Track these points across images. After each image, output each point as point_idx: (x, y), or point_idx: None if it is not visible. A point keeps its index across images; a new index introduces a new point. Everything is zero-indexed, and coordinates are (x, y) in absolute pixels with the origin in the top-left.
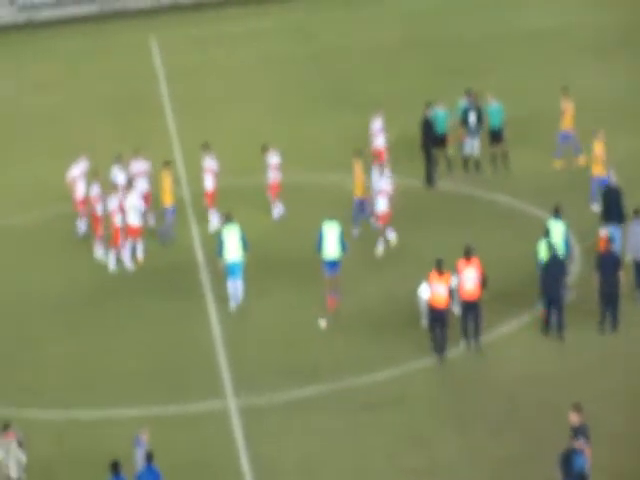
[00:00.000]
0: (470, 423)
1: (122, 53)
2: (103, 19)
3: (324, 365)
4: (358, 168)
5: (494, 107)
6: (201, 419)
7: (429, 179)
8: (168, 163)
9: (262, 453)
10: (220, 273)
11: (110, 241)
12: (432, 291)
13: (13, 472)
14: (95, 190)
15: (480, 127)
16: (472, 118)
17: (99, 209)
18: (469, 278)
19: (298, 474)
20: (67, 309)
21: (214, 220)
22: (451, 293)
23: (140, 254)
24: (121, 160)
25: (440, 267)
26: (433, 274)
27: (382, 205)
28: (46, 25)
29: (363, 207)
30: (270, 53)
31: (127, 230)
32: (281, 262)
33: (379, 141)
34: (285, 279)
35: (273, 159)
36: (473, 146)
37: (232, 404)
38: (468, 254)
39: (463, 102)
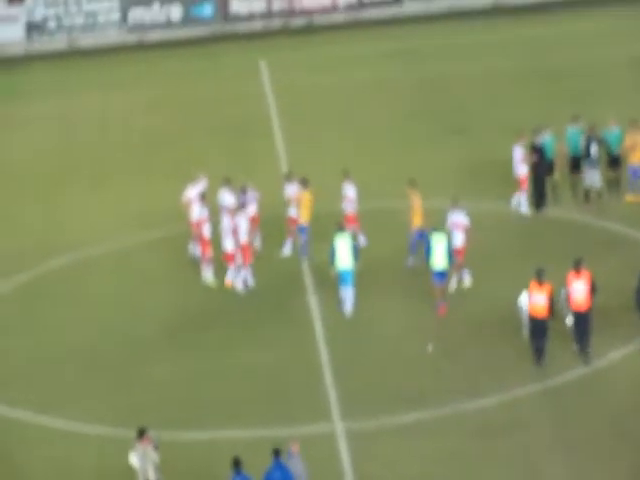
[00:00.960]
0: (578, 450)
1: (232, 75)
2: (213, 41)
3: (431, 389)
4: (416, 198)
5: (615, 133)
6: (308, 442)
7: (538, 204)
8: (307, 182)
9: (368, 477)
10: (333, 281)
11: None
12: (531, 301)
13: (151, 476)
14: (203, 212)
15: (599, 158)
16: (594, 149)
17: (206, 231)
18: (578, 290)
19: None
20: (177, 330)
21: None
22: (553, 304)
23: (230, 278)
24: (230, 183)
25: (540, 277)
26: (533, 284)
27: (459, 240)
28: (156, 46)
29: (422, 237)
30: (381, 77)
31: (224, 255)
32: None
33: (521, 170)
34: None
35: (349, 191)
36: (593, 178)
37: (339, 427)
38: (578, 266)
39: (572, 129)
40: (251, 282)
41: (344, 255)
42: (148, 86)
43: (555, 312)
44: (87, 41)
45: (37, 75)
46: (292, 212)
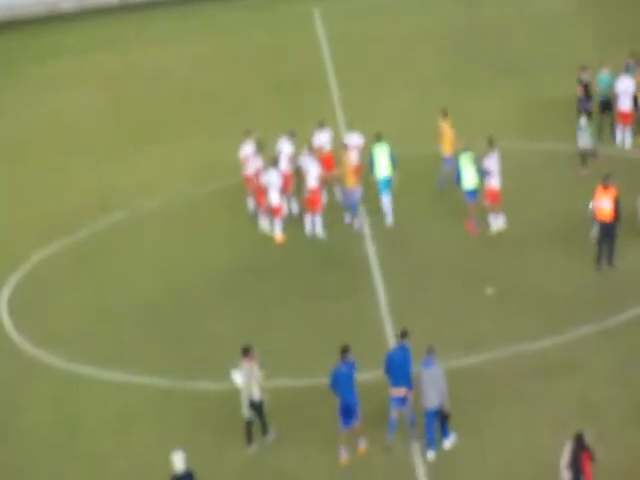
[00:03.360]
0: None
1: (286, 25)
2: None
3: (491, 333)
4: (447, 127)
5: (605, 77)
6: (369, 390)
7: None
8: (446, 113)
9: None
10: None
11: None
12: (597, 205)
13: (256, 394)
14: (259, 163)
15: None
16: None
17: (263, 181)
18: (604, 203)
19: (467, 437)
20: (235, 282)
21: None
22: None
23: (279, 231)
24: (293, 135)
25: (606, 182)
26: (599, 189)
27: (493, 182)
28: None
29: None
30: (432, 22)
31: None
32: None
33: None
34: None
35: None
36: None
37: None
38: (606, 182)
39: (603, 73)
40: (320, 233)
41: (383, 164)
42: (200, 40)
43: (620, 216)
44: None
45: (90, 31)
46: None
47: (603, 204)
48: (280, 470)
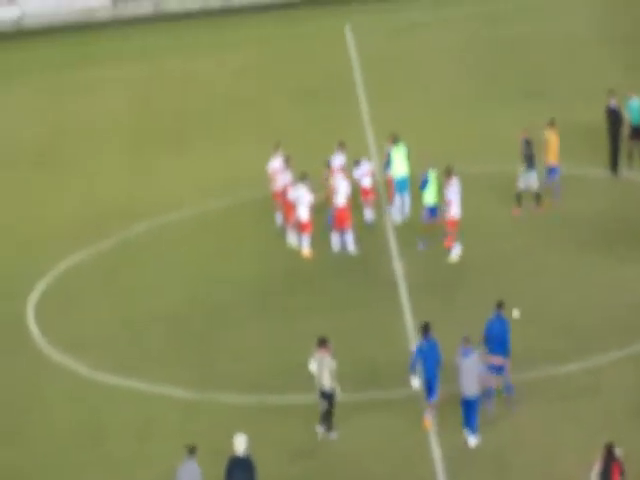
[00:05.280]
0: None
1: (317, 40)
2: (299, 5)
3: (517, 354)
4: (554, 136)
5: (635, 103)
6: (394, 406)
7: (613, 167)
8: (553, 123)
9: (455, 441)
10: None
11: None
12: None
13: (327, 383)
14: (287, 178)
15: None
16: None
17: (291, 196)
18: None
19: (490, 460)
20: (261, 295)
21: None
22: None
23: (307, 247)
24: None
25: None
26: None
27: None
28: (242, 11)
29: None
30: (462, 41)
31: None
32: None
33: None
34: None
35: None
36: (530, 180)
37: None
38: None
39: (634, 99)
40: (352, 248)
41: (400, 164)
42: (233, 51)
43: None
44: (172, 6)
45: (123, 40)
46: (366, 182)
47: None
48: None
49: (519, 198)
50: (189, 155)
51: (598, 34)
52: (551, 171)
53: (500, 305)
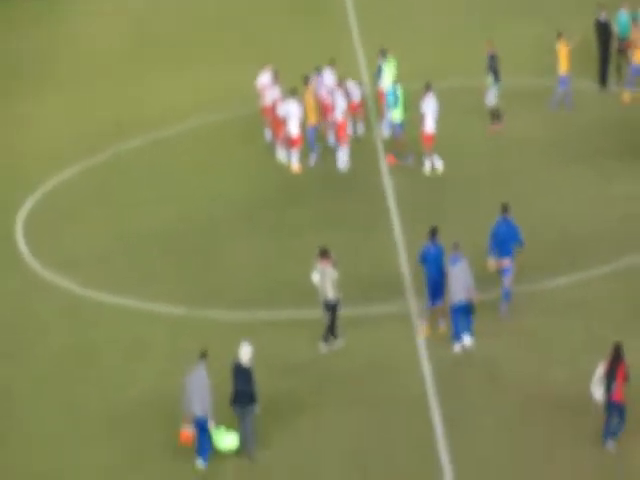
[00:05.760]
0: None
1: None
2: None
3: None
4: (563, 47)
5: (623, 18)
6: (383, 321)
7: (602, 80)
8: (560, 34)
9: (444, 355)
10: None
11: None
12: None
13: (330, 293)
14: (276, 93)
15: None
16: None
17: (280, 112)
18: None
19: (480, 371)
20: (252, 211)
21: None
22: None
23: (295, 162)
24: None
25: None
26: None
27: (428, 125)
28: None
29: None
30: None
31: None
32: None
33: None
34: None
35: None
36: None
37: (413, 307)
38: None
39: (622, 12)
40: (346, 163)
41: (390, 76)
42: None
43: None
44: None
45: None
46: (356, 96)
47: None
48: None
49: (492, 115)
50: (182, 71)
51: None
52: (562, 81)
53: (505, 208)
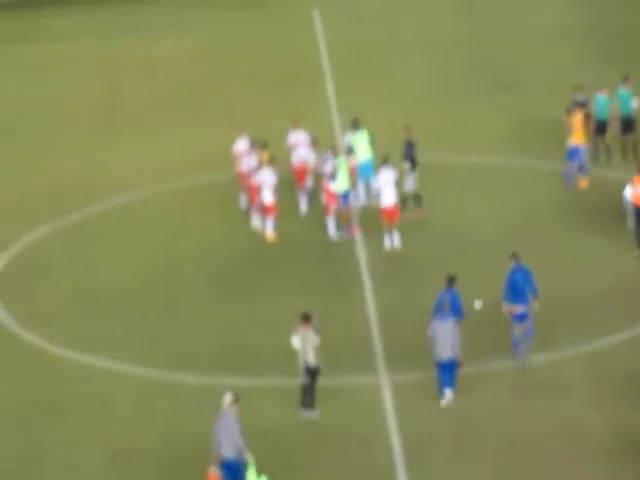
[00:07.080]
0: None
1: (284, 24)
2: None
3: (479, 346)
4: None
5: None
6: (352, 392)
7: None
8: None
9: (411, 430)
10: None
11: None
12: (635, 192)
13: (311, 359)
14: (252, 160)
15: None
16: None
17: (256, 180)
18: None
19: (447, 449)
20: (223, 276)
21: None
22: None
23: (270, 230)
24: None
25: None
26: (637, 177)
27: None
28: None
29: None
30: (431, 30)
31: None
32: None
33: None
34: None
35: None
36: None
37: (384, 379)
38: None
39: (623, 90)
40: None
41: (363, 149)
42: (195, 34)
43: None
44: None
45: (78, 17)
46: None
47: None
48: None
49: (405, 201)
50: (152, 135)
51: (568, 27)
52: (573, 152)
53: (515, 256)
